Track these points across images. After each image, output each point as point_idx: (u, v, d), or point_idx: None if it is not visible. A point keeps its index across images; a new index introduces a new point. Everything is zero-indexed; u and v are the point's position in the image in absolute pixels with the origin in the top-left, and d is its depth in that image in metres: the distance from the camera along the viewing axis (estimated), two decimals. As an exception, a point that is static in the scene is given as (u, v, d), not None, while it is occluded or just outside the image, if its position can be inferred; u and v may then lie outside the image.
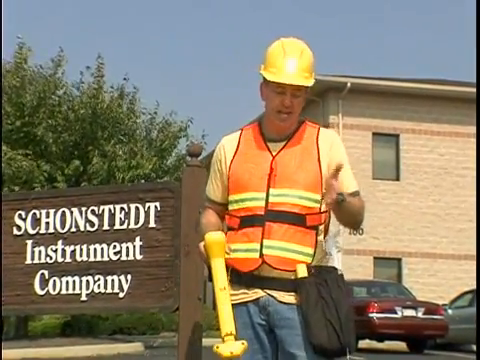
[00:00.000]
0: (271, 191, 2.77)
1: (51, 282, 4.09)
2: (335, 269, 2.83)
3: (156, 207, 3.88)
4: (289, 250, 2.73)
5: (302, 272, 2.71)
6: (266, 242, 2.73)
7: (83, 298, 4.01)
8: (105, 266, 3.95)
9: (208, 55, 71.52)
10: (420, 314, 15.84)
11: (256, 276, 2.75)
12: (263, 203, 2.76)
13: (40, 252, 4.15)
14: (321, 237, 2.83)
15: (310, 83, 2.82)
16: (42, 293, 4.10)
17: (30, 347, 14.51)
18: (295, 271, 2.72)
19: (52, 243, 4.12)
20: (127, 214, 3.93)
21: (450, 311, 17.95)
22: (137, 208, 3.93)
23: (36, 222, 4.19)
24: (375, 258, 22.70)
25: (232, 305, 2.73)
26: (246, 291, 2.78)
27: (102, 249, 3.97)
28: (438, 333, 16.43)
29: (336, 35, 71.23)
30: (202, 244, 2.77)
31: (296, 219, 2.75)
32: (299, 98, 2.82)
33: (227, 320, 2.65)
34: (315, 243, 2.79)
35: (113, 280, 3.91)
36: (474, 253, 23.11)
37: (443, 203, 23.28)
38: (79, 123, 18.31)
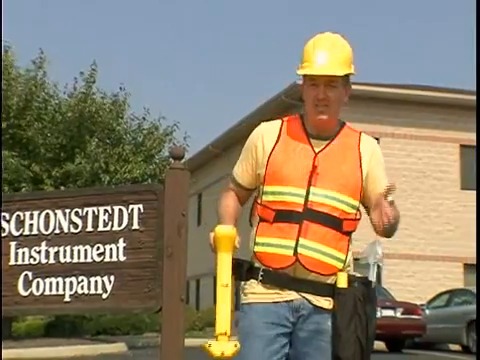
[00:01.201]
0: (312, 190, 2.65)
1: (35, 283, 4.06)
2: (370, 282, 2.75)
3: (139, 209, 3.87)
4: (325, 253, 2.63)
5: (343, 282, 2.64)
6: (302, 241, 2.62)
7: (67, 299, 3.99)
8: (89, 267, 3.93)
9: (195, 60, 71.60)
10: (399, 314, 15.98)
11: (291, 277, 2.65)
12: (302, 200, 2.64)
13: (24, 253, 4.13)
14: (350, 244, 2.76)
15: (341, 72, 2.68)
16: (26, 294, 4.08)
17: (14, 348, 14.43)
18: (330, 276, 2.65)
19: (36, 244, 4.10)
20: (111, 216, 3.92)
21: (428, 311, 18.11)
22: (121, 210, 3.91)
23: (20, 224, 4.17)
24: (355, 259, 22.80)
25: (260, 303, 2.66)
26: (279, 292, 2.66)
27: (86, 250, 3.95)
28: (416, 332, 16.58)
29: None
30: (212, 235, 2.68)
31: (334, 223, 2.65)
32: (335, 90, 2.69)
33: (223, 319, 2.53)
34: (347, 249, 2.72)
35: (96, 281, 3.90)
36: (451, 255, 23.35)
37: (421, 206, 23.47)
38: (66, 125, 18.31)
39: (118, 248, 3.88)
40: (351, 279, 2.65)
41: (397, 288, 21.30)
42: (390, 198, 2.55)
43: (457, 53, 67.94)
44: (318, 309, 2.65)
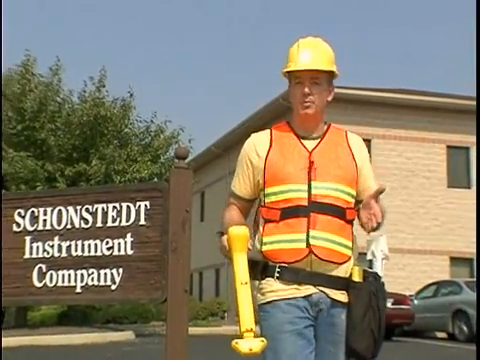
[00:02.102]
0: (313, 184, 2.60)
1: (48, 275, 4.06)
2: (380, 277, 2.70)
3: (146, 206, 3.87)
4: (334, 242, 2.58)
5: (358, 276, 2.59)
6: (312, 232, 2.56)
7: (78, 290, 3.99)
8: (98, 260, 3.93)
9: (199, 67, 71.52)
10: (389, 304, 15.93)
11: (308, 271, 2.57)
12: (306, 194, 2.59)
13: (38, 247, 4.13)
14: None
15: (324, 67, 2.66)
16: (40, 285, 4.08)
17: (29, 335, 14.46)
18: (342, 264, 2.59)
19: (49, 239, 4.10)
20: (119, 212, 3.92)
21: (416, 301, 18.11)
22: (128, 207, 3.91)
23: (34, 219, 4.17)
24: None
25: (281, 300, 2.57)
26: (298, 287, 2.58)
27: (96, 245, 3.95)
28: (405, 321, 16.58)
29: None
30: (225, 238, 2.59)
31: (339, 212, 2.60)
32: (319, 87, 2.67)
33: (247, 316, 2.40)
34: (352, 236, 2.66)
35: (106, 273, 3.90)
36: (438, 248, 23.35)
37: (410, 203, 23.45)
38: (80, 128, 18.31)
39: (126, 242, 3.87)
40: (365, 274, 2.61)
41: (388, 280, 21.18)
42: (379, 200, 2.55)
43: (444, 59, 67.89)
44: (334, 302, 2.59)
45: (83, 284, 3.95)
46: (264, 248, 2.63)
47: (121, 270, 3.86)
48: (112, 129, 18.72)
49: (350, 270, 2.62)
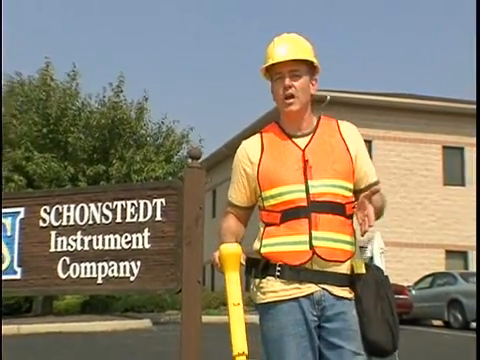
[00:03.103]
0: (310, 182, 2.38)
1: (72, 267, 4.07)
2: (381, 270, 2.50)
3: (162, 203, 3.87)
4: (336, 240, 2.36)
5: (360, 268, 2.37)
6: (315, 233, 2.34)
7: (99, 281, 3.99)
8: (118, 254, 3.93)
9: (212, 71, 71.50)
10: (388, 294, 15.90)
11: (309, 270, 2.35)
12: (304, 195, 2.37)
13: (62, 241, 4.14)
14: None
15: (302, 57, 2.43)
16: (64, 277, 4.09)
17: (55, 323, 14.50)
18: (345, 262, 2.37)
19: (72, 234, 4.11)
20: (137, 209, 3.92)
21: (414, 292, 18.06)
22: (145, 204, 3.91)
23: (59, 216, 4.18)
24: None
25: (282, 301, 2.35)
26: (299, 286, 2.35)
27: (115, 239, 3.96)
28: (404, 310, 16.49)
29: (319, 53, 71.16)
30: (217, 254, 2.37)
31: (338, 209, 2.38)
32: (299, 80, 2.44)
33: (239, 338, 2.17)
34: (353, 231, 2.44)
35: (125, 266, 3.90)
36: (434, 242, 23.26)
37: (408, 200, 23.36)
38: (99, 130, 18.35)
39: (143, 237, 3.88)
40: (367, 265, 2.42)
41: (387, 272, 21.17)
42: (374, 179, 2.43)
43: (441, 65, 67.56)
44: (340, 299, 2.36)
45: (104, 275, 3.96)
46: (264, 250, 2.42)
47: (139, 263, 3.86)
48: (129, 131, 18.74)
49: (351, 264, 2.42)
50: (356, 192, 2.47)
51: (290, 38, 2.49)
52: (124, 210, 3.96)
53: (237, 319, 2.21)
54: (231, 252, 2.30)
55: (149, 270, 3.83)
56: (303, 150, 2.44)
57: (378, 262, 2.57)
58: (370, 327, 2.33)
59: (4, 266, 4.28)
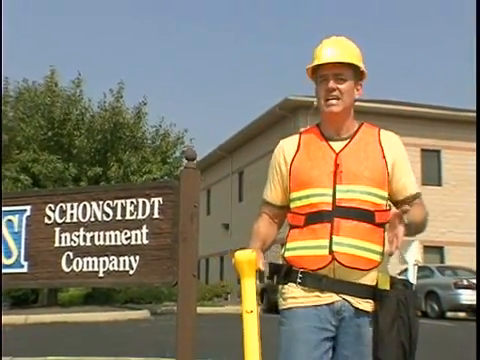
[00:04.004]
0: (338, 187, 2.20)
1: (75, 261, 4.06)
2: (411, 284, 2.28)
3: (159, 201, 3.85)
4: (359, 247, 2.16)
5: (384, 283, 2.14)
6: (335, 239, 2.15)
7: (100, 275, 3.98)
8: (118, 249, 3.92)
9: (207, 78, 71.47)
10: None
11: (330, 279, 2.16)
12: (330, 199, 2.19)
13: (66, 237, 4.13)
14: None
15: (348, 60, 2.24)
16: (68, 270, 4.07)
17: (60, 313, 14.47)
18: (370, 271, 2.16)
19: (75, 230, 4.09)
20: (136, 207, 3.91)
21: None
22: (144, 202, 3.90)
23: (63, 213, 4.17)
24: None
25: (301, 307, 2.18)
26: (319, 294, 2.17)
27: (115, 235, 3.94)
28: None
29: (304, 61, 71.26)
30: (233, 260, 2.18)
31: (366, 216, 2.18)
32: (344, 83, 2.26)
33: (252, 348, 1.98)
34: (383, 241, 2.20)
35: (124, 260, 3.89)
36: (414, 238, 23.29)
37: (389, 198, 23.40)
38: (101, 133, 18.34)
39: (142, 233, 3.86)
40: (393, 281, 2.18)
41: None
42: (406, 220, 2.07)
43: (418, 72, 67.81)
44: (359, 312, 2.16)
45: (105, 269, 3.94)
46: (287, 254, 2.25)
47: (138, 257, 3.85)
48: (128, 134, 18.74)
49: (377, 277, 2.19)
50: (395, 203, 2.30)
51: (338, 41, 2.31)
52: (124, 208, 3.95)
53: (250, 327, 2.02)
54: (245, 259, 2.10)
55: (147, 264, 3.81)
56: (337, 154, 2.26)
57: (409, 273, 2.33)
58: (381, 347, 2.10)
59: (12, 260, 4.26)
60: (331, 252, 2.15)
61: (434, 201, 23.21)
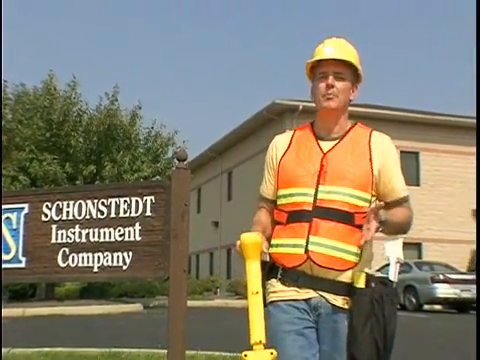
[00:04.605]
0: (320, 188, 2.14)
1: (71, 257, 4.04)
2: (391, 282, 2.17)
3: (151, 200, 3.85)
4: (336, 248, 2.10)
5: (360, 282, 2.08)
6: (312, 238, 2.10)
7: (95, 270, 3.96)
8: (112, 245, 3.91)
9: (200, 82, 71.36)
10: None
11: (308, 275, 2.12)
12: (311, 199, 2.14)
13: (62, 234, 4.11)
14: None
15: (348, 59, 2.18)
16: (64, 265, 4.06)
17: (57, 306, 14.40)
18: (346, 271, 2.10)
19: (71, 227, 4.07)
20: (129, 205, 3.90)
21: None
22: (137, 201, 3.89)
23: (59, 211, 4.15)
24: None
25: (281, 300, 2.15)
26: (297, 290, 2.14)
27: (110, 232, 3.93)
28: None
29: (292, 64, 71.56)
30: (238, 242, 2.10)
31: (345, 217, 2.11)
32: (343, 83, 2.20)
33: (258, 327, 1.94)
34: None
35: (118, 256, 3.87)
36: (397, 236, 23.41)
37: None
38: (97, 135, 18.30)
39: (135, 230, 3.85)
40: (369, 279, 2.10)
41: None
42: (382, 217, 2.04)
43: (400, 77, 68.14)
44: (336, 308, 2.11)
45: (99, 265, 3.93)
46: (271, 250, 2.20)
47: (131, 253, 3.84)
48: (122, 135, 18.70)
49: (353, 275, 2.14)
50: (386, 205, 2.20)
51: (339, 41, 2.26)
52: (118, 206, 3.94)
53: (256, 307, 1.97)
54: (250, 241, 2.03)
55: (140, 260, 3.80)
56: (324, 154, 2.19)
57: (391, 270, 2.20)
58: (354, 344, 2.05)
59: (10, 256, 4.24)
60: (306, 251, 2.10)
61: (412, 200, 22.82)
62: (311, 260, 2.10)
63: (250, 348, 1.90)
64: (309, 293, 2.13)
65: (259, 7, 65.16)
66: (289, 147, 2.27)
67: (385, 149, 2.25)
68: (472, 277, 16.46)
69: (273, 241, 2.23)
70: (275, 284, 2.19)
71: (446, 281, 16.05)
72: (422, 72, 66.43)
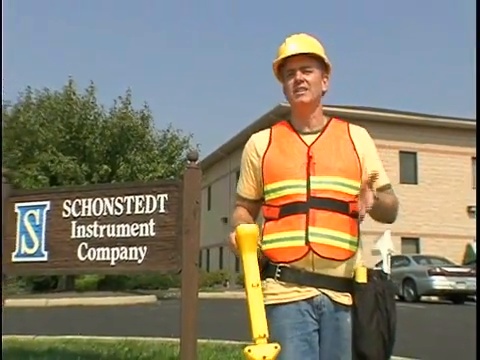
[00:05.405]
0: (312, 179, 1.99)
1: (89, 251, 4.05)
2: (386, 275, 2.05)
3: (165, 198, 3.85)
4: (335, 238, 1.96)
5: (362, 277, 1.95)
6: (311, 229, 1.95)
7: (112, 263, 3.98)
8: (128, 240, 3.92)
9: (211, 86, 71.40)
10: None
11: (309, 273, 1.95)
12: (304, 190, 1.98)
13: (81, 230, 4.12)
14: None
15: (313, 50, 2.06)
16: (83, 259, 4.07)
17: (76, 297, 14.44)
18: (346, 261, 1.97)
19: (90, 223, 4.09)
20: (144, 203, 3.91)
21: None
22: (151, 198, 3.90)
23: (78, 208, 4.16)
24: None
25: (282, 303, 1.96)
26: (298, 289, 1.96)
27: (126, 228, 3.94)
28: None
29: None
30: (233, 235, 1.94)
31: (340, 206, 1.97)
32: (311, 75, 2.07)
33: (259, 321, 1.79)
34: (358, 231, 2.03)
35: (133, 250, 3.88)
36: (392, 230, 23.32)
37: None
38: (112, 137, 18.34)
39: (149, 226, 3.86)
40: (370, 273, 1.98)
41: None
42: (375, 192, 1.91)
43: (399, 81, 67.83)
44: (338, 305, 1.97)
45: (116, 259, 3.94)
46: (264, 247, 2.01)
47: (145, 248, 3.85)
48: (136, 137, 18.75)
49: (354, 270, 2.00)
50: None
51: (301, 37, 2.14)
52: (133, 204, 3.95)
53: (256, 301, 1.82)
54: (248, 232, 1.89)
55: (154, 254, 3.81)
56: (309, 147, 2.05)
57: (384, 264, 2.07)
58: (361, 340, 1.92)
59: (33, 250, 4.26)
60: (307, 243, 1.94)
61: (411, 198, 23.27)
62: (313, 251, 1.93)
63: (253, 342, 1.76)
64: (311, 291, 1.96)
65: (265, 12, 65.10)
66: (270, 144, 2.11)
67: (364, 140, 2.13)
68: (467, 270, 16.43)
69: (265, 237, 2.03)
70: (273, 285, 1.98)
71: (442, 274, 16.00)
72: (420, 76, 66.17)
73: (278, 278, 1.97)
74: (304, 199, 1.97)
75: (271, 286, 1.98)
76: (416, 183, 23.82)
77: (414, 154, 24.12)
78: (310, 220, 1.95)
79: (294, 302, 1.95)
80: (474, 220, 22.72)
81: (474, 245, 22.09)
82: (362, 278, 1.95)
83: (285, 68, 2.10)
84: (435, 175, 23.83)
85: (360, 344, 1.91)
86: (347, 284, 1.96)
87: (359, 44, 64.72)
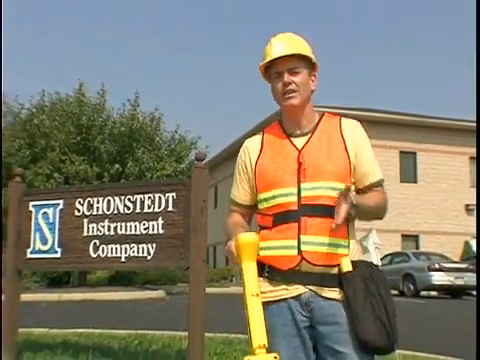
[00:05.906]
0: (303, 185, 1.91)
1: (100, 248, 4.06)
2: (375, 265, 1.96)
3: (173, 196, 3.85)
4: (328, 244, 1.88)
5: (347, 266, 1.87)
6: (303, 238, 1.88)
7: (123, 260, 3.98)
8: (137, 237, 3.92)
9: (218, 89, 71.41)
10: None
11: (296, 271, 1.88)
12: (295, 198, 1.90)
13: (93, 227, 4.13)
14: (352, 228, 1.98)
15: (299, 51, 1.96)
16: (94, 256, 4.08)
17: (88, 292, 14.47)
18: (337, 265, 1.88)
19: (101, 221, 4.10)
20: (153, 201, 3.91)
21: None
22: (160, 197, 3.90)
23: (90, 206, 4.17)
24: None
25: (271, 302, 1.90)
26: (286, 287, 1.90)
27: (135, 226, 3.95)
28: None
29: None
30: (232, 244, 1.87)
31: (331, 212, 1.85)
32: (299, 76, 1.96)
33: (259, 331, 1.71)
34: (348, 234, 1.94)
35: (143, 247, 3.89)
36: (392, 228, 23.30)
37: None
38: (121, 137, 18.36)
39: (158, 224, 3.87)
40: (355, 263, 1.90)
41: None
42: (353, 201, 1.81)
43: (398, 82, 67.63)
44: (329, 301, 1.89)
45: (126, 255, 3.95)
46: (260, 253, 1.94)
47: (154, 245, 3.85)
48: (145, 137, 18.77)
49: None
50: (358, 191, 1.99)
51: (286, 36, 2.01)
52: (142, 202, 3.95)
53: (256, 310, 1.75)
54: (248, 241, 1.81)
55: (163, 251, 3.82)
56: (299, 151, 1.96)
57: (373, 258, 2.07)
58: (360, 327, 1.83)
59: (47, 247, 4.27)
60: (300, 252, 1.87)
61: (410, 196, 23.23)
62: (305, 260, 1.87)
63: (252, 353, 1.67)
64: (299, 289, 1.89)
65: (269, 15, 65.05)
66: (262, 149, 2.03)
67: (357, 136, 2.01)
68: (465, 266, 16.40)
69: (261, 244, 1.94)
70: (262, 284, 1.92)
71: (441, 270, 15.97)
72: (420, 77, 65.96)
73: (267, 277, 1.93)
74: (295, 207, 1.90)
75: (260, 285, 1.90)
76: (416, 182, 23.75)
77: (414, 154, 24.05)
78: (302, 228, 1.88)
79: (283, 300, 1.91)
80: (472, 218, 22.66)
81: (472, 242, 22.04)
82: (347, 267, 1.87)
83: (272, 69, 2.00)
84: (434, 174, 23.75)
85: (358, 331, 1.82)
86: (335, 278, 1.89)
87: (361, 48, 64.53)
